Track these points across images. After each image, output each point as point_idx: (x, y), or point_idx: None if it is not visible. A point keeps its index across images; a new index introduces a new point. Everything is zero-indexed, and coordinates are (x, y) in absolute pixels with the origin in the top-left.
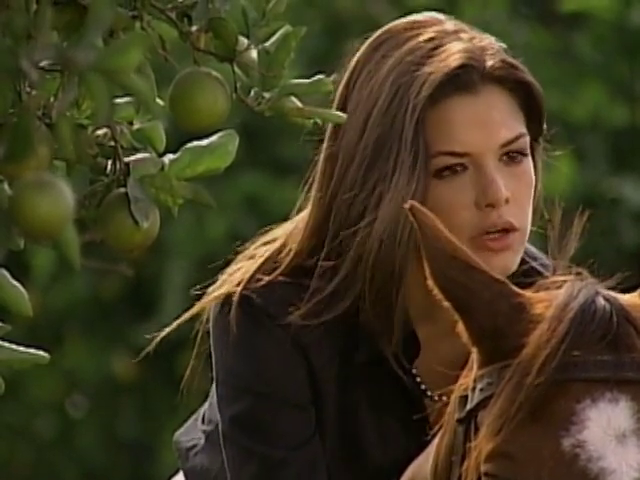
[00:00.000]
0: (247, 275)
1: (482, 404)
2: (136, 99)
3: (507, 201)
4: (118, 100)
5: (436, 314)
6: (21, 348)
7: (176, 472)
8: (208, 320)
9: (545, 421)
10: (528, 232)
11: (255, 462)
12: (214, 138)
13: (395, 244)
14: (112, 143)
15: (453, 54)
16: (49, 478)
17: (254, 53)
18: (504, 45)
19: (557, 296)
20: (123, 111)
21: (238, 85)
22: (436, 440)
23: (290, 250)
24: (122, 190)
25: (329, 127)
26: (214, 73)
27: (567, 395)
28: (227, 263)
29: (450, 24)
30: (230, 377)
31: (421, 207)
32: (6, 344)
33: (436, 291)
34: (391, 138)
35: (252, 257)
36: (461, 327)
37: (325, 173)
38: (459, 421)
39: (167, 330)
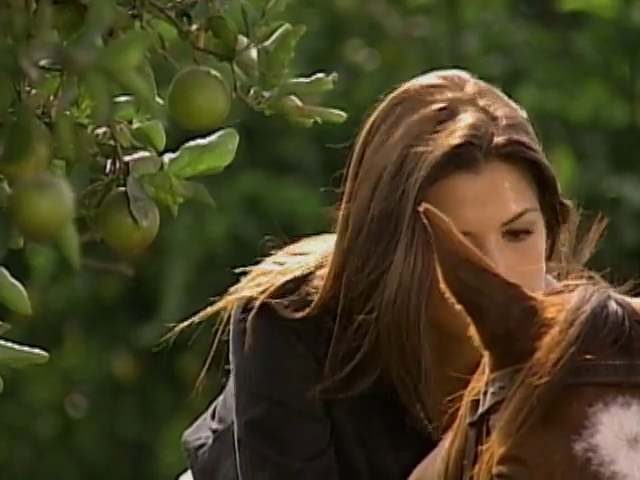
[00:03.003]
0: (275, 284)
1: (494, 408)
2: (136, 98)
3: None
4: (118, 99)
5: (449, 357)
6: (20, 347)
7: (184, 471)
8: (221, 320)
9: (557, 425)
10: None
11: (269, 469)
12: (214, 137)
13: (406, 323)
14: (112, 142)
15: (457, 130)
16: (49, 478)
17: (254, 52)
18: (523, 114)
19: (569, 300)
20: (123, 110)
21: (238, 84)
22: (445, 444)
23: (319, 285)
24: (122, 189)
25: (346, 185)
26: (214, 72)
27: (579, 399)
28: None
29: (471, 87)
30: (248, 382)
31: (434, 210)
32: (5, 343)
33: (448, 294)
34: (394, 213)
35: (282, 264)
36: (473, 330)
37: (341, 231)
38: (471, 425)
39: (182, 324)
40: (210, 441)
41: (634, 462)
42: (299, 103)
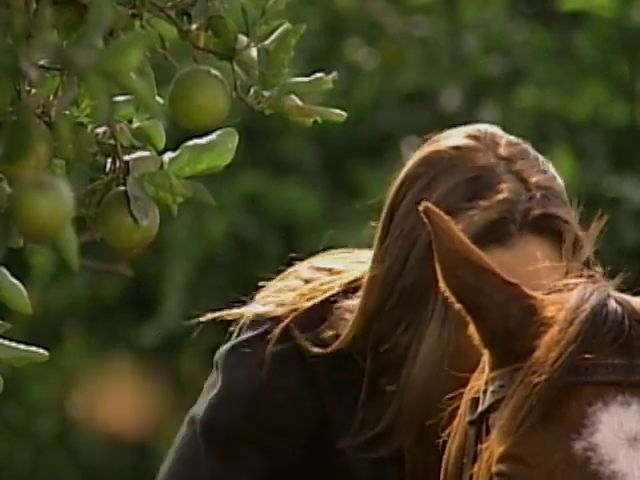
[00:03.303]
0: (300, 308)
1: (494, 406)
2: (135, 98)
3: None
4: (118, 98)
5: None
6: (20, 346)
7: None
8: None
9: (557, 424)
10: None
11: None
12: (214, 136)
13: (432, 398)
14: (112, 141)
15: (493, 206)
16: (49, 477)
17: (254, 51)
18: (554, 173)
19: (569, 299)
20: (123, 109)
21: (238, 83)
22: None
23: (343, 319)
24: (121, 188)
25: (375, 243)
26: (214, 71)
27: (579, 398)
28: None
29: (503, 149)
30: (230, 395)
31: (435, 208)
32: (5, 342)
33: (448, 293)
34: (427, 286)
35: (308, 281)
36: (472, 329)
37: (369, 290)
38: (470, 423)
39: (190, 321)
40: None
41: (634, 461)
42: (299, 102)
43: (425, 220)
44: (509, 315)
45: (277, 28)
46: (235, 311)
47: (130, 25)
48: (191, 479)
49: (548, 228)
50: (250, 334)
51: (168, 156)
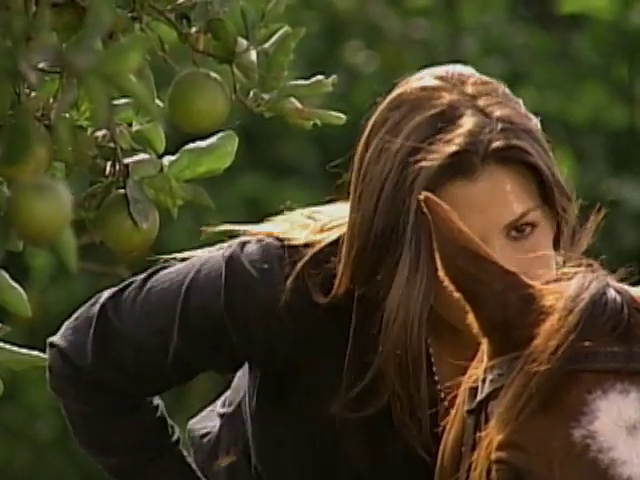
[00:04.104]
0: (316, 246)
1: (492, 395)
2: (135, 101)
3: None
4: (117, 102)
5: (460, 328)
6: (20, 350)
7: None
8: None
9: (556, 412)
10: None
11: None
12: (213, 139)
13: (409, 336)
14: (111, 144)
15: (454, 139)
16: None
17: (253, 54)
18: (523, 109)
19: (568, 288)
20: (122, 113)
21: (237, 86)
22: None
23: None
24: (121, 191)
25: (350, 194)
26: (213, 74)
27: (578, 386)
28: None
29: (470, 86)
30: (195, 294)
31: (435, 198)
32: (5, 345)
33: (447, 282)
34: (397, 227)
35: (315, 220)
36: (471, 318)
37: (349, 241)
38: (469, 412)
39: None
40: (217, 426)
41: (633, 448)
42: (298, 105)
43: (425, 210)
44: (508, 304)
45: (277, 31)
46: (247, 227)
47: (130, 28)
48: (160, 345)
49: (511, 159)
50: (266, 253)
51: (168, 159)
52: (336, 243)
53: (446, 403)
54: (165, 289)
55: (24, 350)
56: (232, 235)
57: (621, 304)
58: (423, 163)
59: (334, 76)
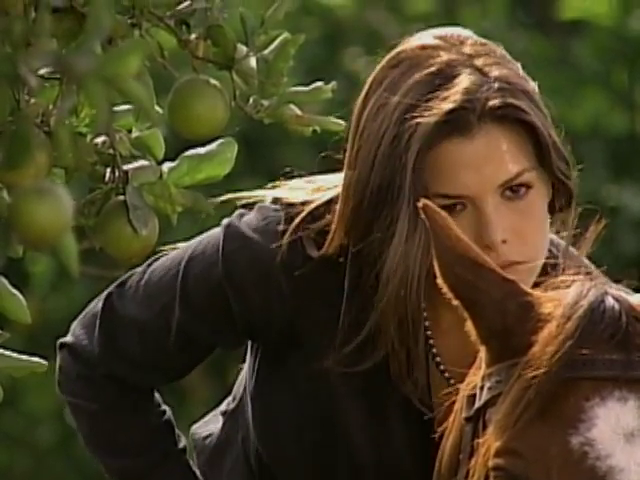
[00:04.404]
0: (312, 204)
1: (490, 402)
2: (135, 107)
3: (505, 241)
4: (117, 108)
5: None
6: (20, 356)
7: None
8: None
9: (554, 419)
10: (540, 259)
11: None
12: (213, 146)
13: (408, 293)
14: (111, 151)
15: (451, 96)
16: None
17: (253, 61)
18: (521, 72)
19: (566, 295)
20: (122, 119)
21: (237, 93)
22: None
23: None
24: (121, 198)
25: (346, 151)
26: (213, 81)
27: (576, 393)
28: None
29: (468, 46)
30: (193, 266)
31: (433, 205)
32: (5, 352)
33: (445, 289)
34: (394, 185)
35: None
36: (470, 325)
37: (344, 199)
38: (467, 419)
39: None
40: (220, 425)
41: (630, 456)
42: (298, 112)
43: (423, 217)
44: (506, 311)
45: (276, 38)
46: (252, 193)
47: (129, 34)
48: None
49: (508, 117)
50: (263, 216)
51: (167, 166)
52: (333, 201)
53: (442, 367)
54: (166, 267)
55: (24, 356)
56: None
57: (619, 312)
58: (420, 120)
59: (334, 82)
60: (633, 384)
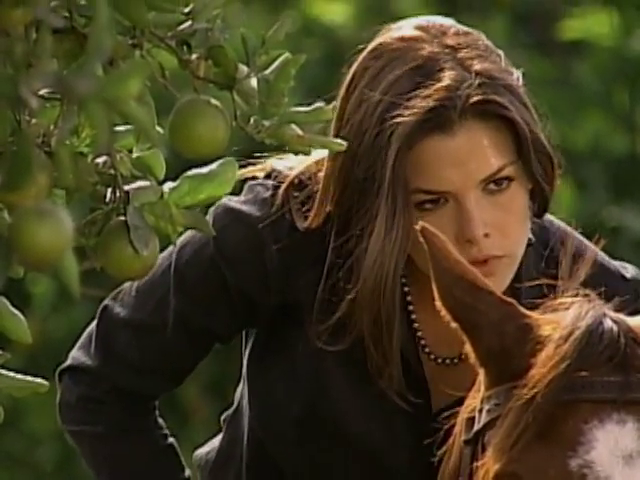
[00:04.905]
0: (296, 169)
1: (489, 425)
2: (136, 127)
3: (487, 235)
4: (118, 128)
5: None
6: (20, 376)
7: None
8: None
9: (552, 441)
10: (520, 253)
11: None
12: (214, 166)
13: (383, 289)
14: (112, 171)
15: (431, 95)
16: None
17: (254, 81)
18: (503, 63)
19: (564, 317)
20: (123, 139)
21: (238, 113)
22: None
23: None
24: (122, 218)
25: (332, 134)
26: (214, 101)
27: (574, 415)
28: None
29: (450, 38)
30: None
31: (431, 228)
32: (6, 372)
33: (444, 312)
34: (373, 179)
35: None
36: (469, 348)
37: (325, 188)
38: (466, 442)
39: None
40: (220, 436)
41: (629, 478)
42: (299, 132)
43: (422, 240)
44: (505, 333)
45: (277, 58)
46: (247, 170)
47: (130, 55)
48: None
49: (488, 113)
50: (251, 193)
51: (168, 186)
52: (318, 165)
53: (427, 350)
54: (157, 264)
55: (25, 377)
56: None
57: (617, 334)
58: (400, 119)
59: (334, 103)
60: (631, 406)
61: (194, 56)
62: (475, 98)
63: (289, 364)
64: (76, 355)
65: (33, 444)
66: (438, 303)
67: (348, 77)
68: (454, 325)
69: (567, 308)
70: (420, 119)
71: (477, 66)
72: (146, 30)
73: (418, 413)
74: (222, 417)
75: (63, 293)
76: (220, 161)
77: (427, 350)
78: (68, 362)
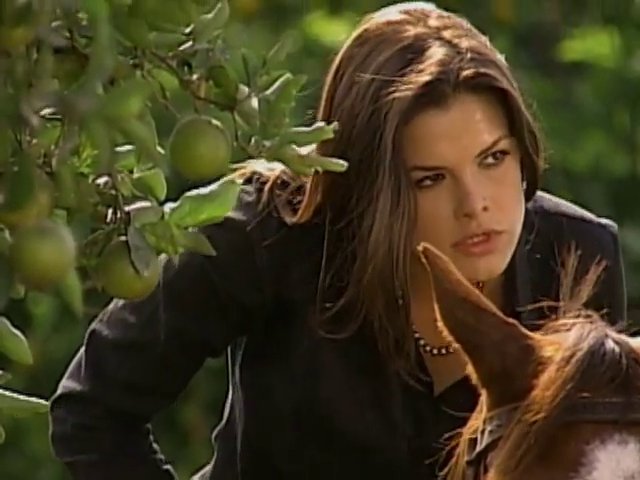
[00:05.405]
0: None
1: (492, 446)
2: (137, 147)
3: (485, 209)
4: (119, 148)
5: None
6: (21, 397)
7: None
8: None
9: (554, 462)
10: (518, 230)
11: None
12: (214, 187)
13: (395, 271)
14: (113, 191)
15: (425, 69)
16: None
17: (255, 101)
18: (488, 43)
19: (566, 338)
20: (124, 159)
21: (239, 133)
22: None
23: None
24: (123, 238)
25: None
26: (215, 121)
27: (576, 436)
28: None
29: (434, 20)
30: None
31: (433, 248)
32: (6, 393)
33: (446, 332)
34: (373, 156)
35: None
36: (470, 369)
37: (316, 176)
38: (468, 463)
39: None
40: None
41: None
42: (300, 152)
43: (424, 261)
44: (507, 354)
45: (278, 78)
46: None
47: (131, 75)
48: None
49: (481, 86)
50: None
51: (169, 206)
52: None
53: (421, 342)
54: None
55: (25, 397)
56: None
57: (619, 355)
58: (396, 94)
59: (336, 123)
60: (633, 427)
61: (195, 76)
62: (467, 72)
63: (284, 364)
64: (66, 384)
65: (34, 465)
66: (440, 323)
67: (334, 65)
68: (456, 346)
69: (569, 329)
70: (416, 93)
71: (465, 43)
72: (147, 50)
73: (418, 400)
74: (214, 434)
75: (64, 313)
76: (221, 181)
77: (422, 342)
78: (59, 392)
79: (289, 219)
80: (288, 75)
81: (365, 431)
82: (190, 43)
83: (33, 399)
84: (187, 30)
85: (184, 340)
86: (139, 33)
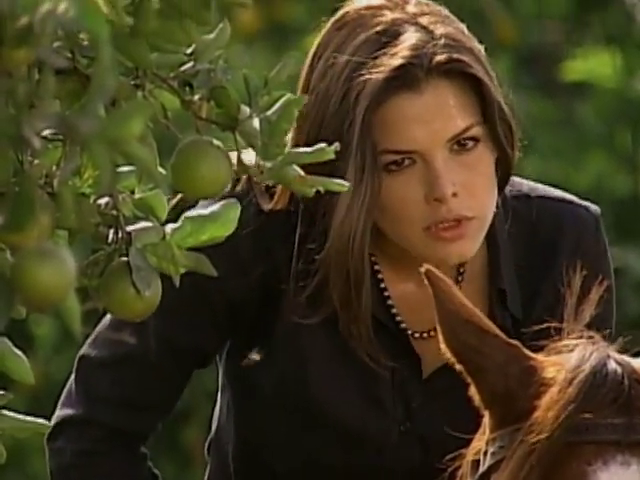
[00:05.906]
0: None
1: (494, 468)
2: (138, 168)
3: (455, 195)
4: (120, 169)
5: (404, 246)
6: (23, 417)
7: None
8: None
9: None
10: (489, 216)
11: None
12: (216, 207)
13: (351, 249)
14: (114, 212)
15: (398, 52)
16: None
17: (256, 122)
18: (466, 32)
19: (569, 359)
20: (125, 180)
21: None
22: None
23: None
24: (124, 259)
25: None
26: (216, 142)
27: (578, 457)
28: None
29: (412, 6)
30: None
31: (436, 271)
32: (8, 413)
33: (449, 354)
34: (343, 138)
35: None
36: (473, 390)
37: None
38: None
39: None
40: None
41: None
42: (301, 172)
43: (426, 283)
44: (509, 375)
45: (279, 98)
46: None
47: (132, 95)
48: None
49: (454, 71)
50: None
51: (170, 227)
52: None
53: (403, 326)
54: None
55: (27, 418)
56: None
57: (622, 375)
58: (368, 76)
59: (337, 143)
60: (635, 448)
61: (196, 97)
62: (440, 57)
63: (268, 351)
64: (60, 413)
65: None
66: (442, 345)
67: (312, 49)
68: (459, 367)
69: (571, 350)
70: (388, 76)
71: (440, 29)
72: (148, 71)
73: (407, 384)
74: (205, 447)
75: (65, 335)
76: (222, 202)
77: (403, 326)
78: (53, 422)
79: (266, 205)
80: (289, 95)
81: (355, 417)
82: (191, 63)
83: (34, 419)
84: (188, 50)
85: (174, 347)
86: (140, 54)
